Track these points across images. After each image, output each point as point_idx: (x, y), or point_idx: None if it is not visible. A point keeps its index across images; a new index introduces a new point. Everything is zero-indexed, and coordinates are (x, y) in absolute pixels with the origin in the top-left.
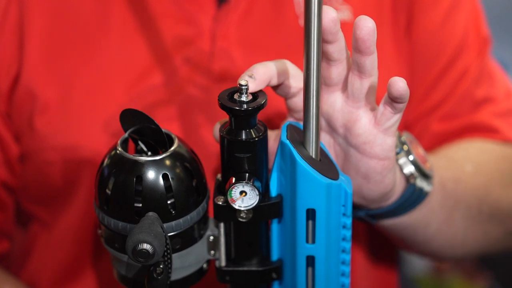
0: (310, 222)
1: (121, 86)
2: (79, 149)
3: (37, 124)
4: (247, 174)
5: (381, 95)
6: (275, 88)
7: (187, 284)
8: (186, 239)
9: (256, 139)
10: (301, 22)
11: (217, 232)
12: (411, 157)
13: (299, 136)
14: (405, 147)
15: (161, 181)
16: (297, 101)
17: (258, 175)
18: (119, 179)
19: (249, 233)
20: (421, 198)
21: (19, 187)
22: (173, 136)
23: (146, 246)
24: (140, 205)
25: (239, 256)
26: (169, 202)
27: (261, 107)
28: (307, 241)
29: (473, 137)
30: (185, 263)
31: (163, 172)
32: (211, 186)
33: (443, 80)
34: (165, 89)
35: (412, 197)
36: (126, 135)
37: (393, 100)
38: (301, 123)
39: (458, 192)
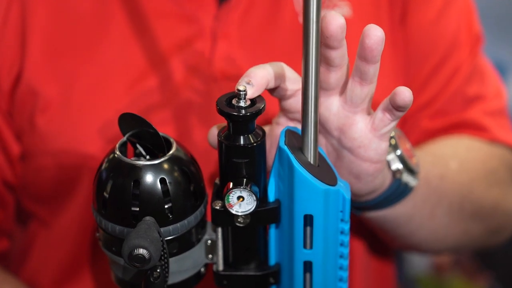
0: (308, 227)
1: (122, 86)
2: (80, 148)
3: (38, 122)
4: (244, 180)
5: (376, 97)
6: (271, 90)
7: None
8: (183, 243)
9: (254, 144)
10: (301, 19)
11: (215, 236)
12: (398, 152)
13: (297, 142)
14: (393, 141)
15: (158, 185)
16: (292, 103)
17: (256, 180)
18: (117, 182)
19: (247, 237)
20: (406, 193)
21: (19, 185)
22: (171, 140)
23: (142, 251)
24: (138, 209)
25: (236, 260)
26: (166, 206)
27: (259, 112)
28: (304, 247)
29: (462, 134)
30: (182, 267)
31: (160, 176)
32: (209, 190)
33: (435, 77)
34: (166, 88)
35: (397, 191)
36: (124, 138)
37: (395, 108)
38: (299, 128)
39: (442, 188)
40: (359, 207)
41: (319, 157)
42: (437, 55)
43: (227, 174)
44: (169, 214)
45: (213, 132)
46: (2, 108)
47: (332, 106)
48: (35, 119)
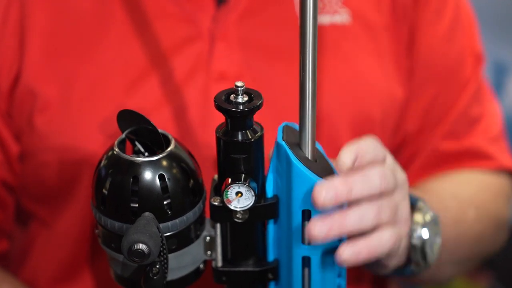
0: (306, 223)
1: (121, 86)
2: (79, 148)
3: (37, 122)
4: (243, 175)
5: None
6: None
7: (183, 285)
8: (182, 240)
9: (252, 140)
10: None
11: (214, 232)
12: (417, 241)
13: (295, 137)
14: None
15: (157, 181)
16: None
17: (254, 176)
18: (116, 179)
19: (246, 233)
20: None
21: (19, 185)
22: (170, 136)
23: (141, 246)
24: (137, 205)
25: (235, 256)
26: (165, 202)
27: (257, 108)
28: (303, 242)
29: (473, 166)
30: (181, 263)
31: (159, 173)
32: (207, 186)
33: (444, 96)
34: (165, 89)
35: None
36: (123, 135)
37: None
38: (297, 124)
39: (456, 247)
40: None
41: (317, 152)
42: (445, 74)
43: (225, 170)
44: (168, 210)
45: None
46: (1, 109)
47: None
48: (34, 119)
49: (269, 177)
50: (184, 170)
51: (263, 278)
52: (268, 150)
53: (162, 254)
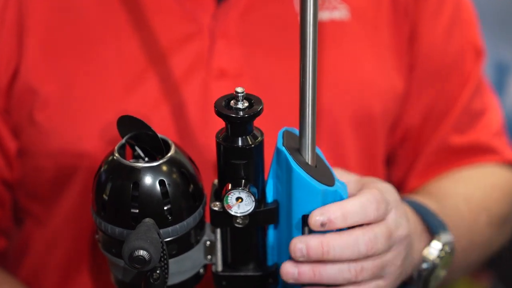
0: (306, 227)
1: (120, 83)
2: (78, 145)
3: (38, 119)
4: (243, 181)
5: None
6: None
7: None
8: (182, 245)
9: (252, 145)
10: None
11: (214, 237)
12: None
13: (295, 143)
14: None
15: (157, 187)
16: None
17: (254, 181)
18: (116, 184)
19: (246, 238)
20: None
21: (16, 182)
22: (170, 142)
23: (142, 252)
24: (137, 211)
25: (235, 261)
26: (165, 208)
27: (257, 114)
28: None
29: (479, 161)
30: (181, 268)
31: (159, 178)
32: (207, 191)
33: (445, 90)
34: (165, 87)
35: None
36: (123, 141)
37: None
38: (297, 129)
39: (467, 256)
40: None
41: (317, 157)
42: (447, 69)
43: (225, 175)
44: (168, 216)
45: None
46: None
47: None
48: (34, 115)
49: (269, 182)
50: (184, 175)
51: (263, 282)
52: (269, 154)
53: (162, 259)
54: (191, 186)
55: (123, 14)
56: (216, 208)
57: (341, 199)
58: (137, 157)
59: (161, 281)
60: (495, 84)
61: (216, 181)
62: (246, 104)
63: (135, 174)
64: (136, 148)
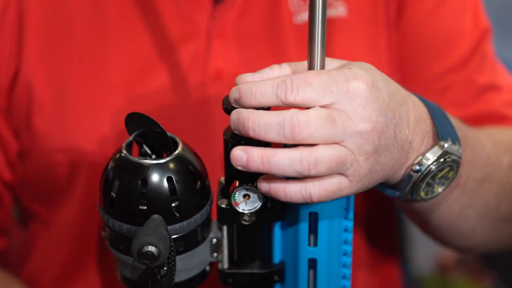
0: (313, 225)
1: (117, 84)
2: (75, 147)
3: (34, 121)
4: (250, 178)
5: None
6: None
7: (190, 286)
8: (189, 242)
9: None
10: (295, 19)
11: (220, 234)
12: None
13: None
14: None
15: (165, 184)
16: None
17: None
18: (124, 181)
19: (252, 236)
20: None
21: (18, 183)
22: (177, 139)
23: (151, 248)
24: (145, 207)
25: (241, 258)
26: (173, 204)
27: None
28: (309, 244)
29: (490, 124)
30: (188, 265)
31: (167, 175)
32: (214, 188)
33: (441, 69)
34: (162, 87)
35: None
36: (131, 138)
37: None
38: None
39: (480, 191)
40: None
41: None
42: (438, 48)
43: (233, 173)
44: (176, 213)
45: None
46: (0, 107)
47: None
48: (31, 118)
49: None
50: (191, 172)
51: (269, 280)
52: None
53: (170, 256)
54: (199, 183)
55: (118, 16)
56: (223, 205)
57: (348, 197)
58: (143, 154)
59: (168, 277)
60: None
61: (222, 178)
62: None
63: (143, 171)
64: (144, 145)
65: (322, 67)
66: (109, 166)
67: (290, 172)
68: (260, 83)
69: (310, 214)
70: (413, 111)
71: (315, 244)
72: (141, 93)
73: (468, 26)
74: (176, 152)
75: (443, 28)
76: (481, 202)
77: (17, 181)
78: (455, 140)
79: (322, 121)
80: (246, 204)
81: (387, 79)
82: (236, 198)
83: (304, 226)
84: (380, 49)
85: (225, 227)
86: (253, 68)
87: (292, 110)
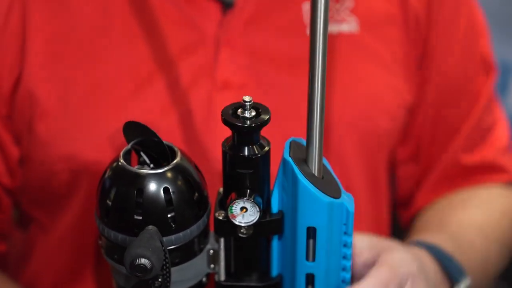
0: (311, 240)
1: (122, 93)
2: (78, 155)
3: (37, 128)
4: (248, 190)
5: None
6: None
7: None
8: (185, 253)
9: (259, 155)
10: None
11: (217, 246)
12: None
13: (302, 153)
14: None
15: (162, 194)
16: None
17: (260, 191)
18: (120, 191)
19: (249, 248)
20: None
21: (18, 189)
22: (175, 149)
23: (144, 261)
24: (140, 217)
25: (239, 271)
26: (169, 215)
27: (264, 123)
28: (307, 259)
29: (488, 180)
30: (184, 276)
31: (164, 186)
32: (212, 198)
33: (456, 106)
34: (168, 96)
35: None
36: (128, 146)
37: None
38: (305, 139)
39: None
40: None
41: (323, 168)
42: (458, 86)
43: (230, 184)
44: (172, 224)
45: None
46: (1, 113)
47: None
48: (34, 124)
49: (275, 192)
50: (189, 183)
51: None
52: (274, 163)
53: (165, 267)
54: (196, 194)
55: (125, 23)
56: (220, 217)
57: (347, 211)
58: (142, 163)
59: None
60: (498, 85)
61: (221, 189)
62: (254, 113)
63: (139, 181)
64: (142, 154)
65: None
66: (106, 175)
67: None
68: None
69: (309, 229)
70: None
71: (314, 259)
72: (145, 102)
73: (479, 64)
74: (174, 162)
75: (466, 67)
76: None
77: (17, 186)
78: (463, 274)
79: None
80: (243, 217)
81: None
82: (233, 210)
83: (302, 241)
84: (393, 66)
85: (222, 239)
86: (261, 78)
87: None
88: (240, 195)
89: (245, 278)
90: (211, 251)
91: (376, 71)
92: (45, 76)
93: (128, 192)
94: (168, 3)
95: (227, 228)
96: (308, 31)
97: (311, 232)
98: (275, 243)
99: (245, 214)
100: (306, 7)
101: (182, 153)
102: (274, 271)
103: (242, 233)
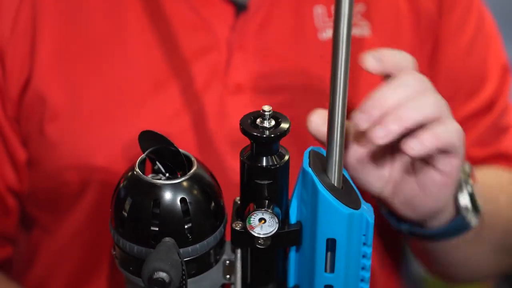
0: (330, 251)
1: (134, 97)
2: (88, 159)
3: (47, 130)
4: (266, 201)
5: None
6: None
7: None
8: (202, 264)
9: (278, 166)
10: (321, 35)
11: (234, 256)
12: (469, 189)
13: (321, 163)
14: (465, 177)
15: (178, 205)
16: None
17: (278, 201)
18: (136, 201)
19: (267, 259)
20: (464, 231)
21: (25, 192)
22: (192, 158)
23: (162, 274)
24: (157, 228)
25: (255, 282)
26: (186, 226)
27: (283, 134)
28: (325, 270)
29: (501, 165)
30: (200, 287)
31: (181, 196)
32: (228, 207)
33: (468, 109)
34: (181, 99)
35: (457, 228)
36: (144, 155)
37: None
38: (324, 149)
39: (492, 225)
40: (416, 233)
41: (343, 178)
42: (468, 88)
43: (248, 195)
44: (188, 235)
45: (315, 120)
46: (9, 115)
47: None
48: (44, 126)
49: (293, 203)
50: (206, 193)
51: None
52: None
53: (182, 280)
54: (213, 204)
55: (138, 26)
56: (237, 228)
57: (367, 222)
58: (157, 172)
59: None
60: None
61: (238, 198)
62: (273, 123)
63: (155, 191)
64: (157, 163)
65: (345, 94)
66: (121, 184)
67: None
68: None
69: (328, 240)
70: None
71: (332, 271)
72: (159, 106)
73: (493, 65)
74: (191, 171)
75: (474, 68)
76: (492, 237)
77: (24, 189)
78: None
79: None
80: (261, 228)
81: None
82: (251, 221)
83: (321, 252)
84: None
85: (239, 250)
86: (274, 83)
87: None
88: (259, 206)
89: None
90: (227, 262)
91: None
92: (55, 78)
93: (144, 202)
94: (182, 6)
95: (244, 239)
96: (320, 36)
97: (331, 244)
98: (293, 254)
99: (263, 225)
100: (318, 11)
101: (199, 162)
102: (291, 282)
103: (260, 244)
